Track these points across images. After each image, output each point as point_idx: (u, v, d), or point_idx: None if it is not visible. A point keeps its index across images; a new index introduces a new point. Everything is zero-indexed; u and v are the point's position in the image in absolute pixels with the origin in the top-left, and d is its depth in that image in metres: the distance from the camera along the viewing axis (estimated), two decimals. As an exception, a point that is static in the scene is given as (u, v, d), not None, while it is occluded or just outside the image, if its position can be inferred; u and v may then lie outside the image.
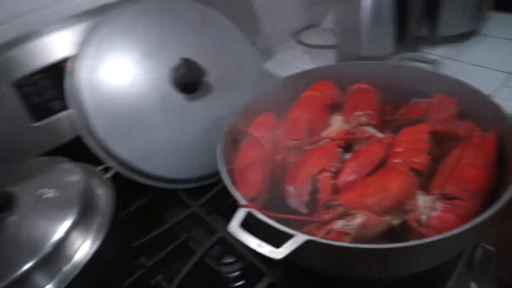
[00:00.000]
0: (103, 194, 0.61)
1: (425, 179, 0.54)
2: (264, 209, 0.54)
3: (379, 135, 0.61)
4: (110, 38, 0.71)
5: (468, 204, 0.48)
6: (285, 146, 0.62)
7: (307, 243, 0.45)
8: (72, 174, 0.60)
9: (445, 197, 0.50)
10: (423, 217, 0.49)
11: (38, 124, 0.72)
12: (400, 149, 0.56)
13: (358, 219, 0.47)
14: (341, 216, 0.49)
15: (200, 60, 0.75)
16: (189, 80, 0.73)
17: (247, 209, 0.50)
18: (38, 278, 0.49)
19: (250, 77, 0.82)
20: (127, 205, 0.78)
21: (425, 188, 0.54)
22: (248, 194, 0.56)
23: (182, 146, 0.73)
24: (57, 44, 0.72)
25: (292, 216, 0.50)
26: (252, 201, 0.56)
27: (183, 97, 0.75)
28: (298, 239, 0.45)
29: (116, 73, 0.71)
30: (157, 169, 0.71)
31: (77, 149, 0.68)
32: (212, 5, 0.84)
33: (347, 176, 0.56)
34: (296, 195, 0.54)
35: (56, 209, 0.54)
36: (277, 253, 0.44)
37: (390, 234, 0.50)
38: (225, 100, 0.78)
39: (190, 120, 0.75)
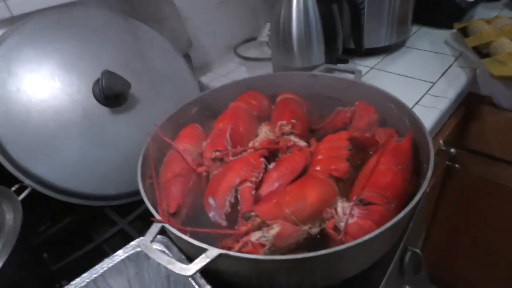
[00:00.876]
0: (9, 217, 0.56)
1: (345, 186, 0.55)
2: (187, 222, 0.53)
3: (301, 143, 0.61)
4: (20, 49, 0.66)
5: (382, 209, 0.48)
6: (208, 157, 0.60)
7: (220, 257, 0.43)
8: (-29, 197, 0.55)
9: (362, 203, 0.50)
10: (341, 224, 0.48)
11: None
12: (320, 157, 0.56)
13: (274, 230, 0.46)
14: (259, 227, 0.47)
15: (124, 72, 0.72)
16: (112, 93, 0.70)
17: (160, 224, 0.48)
18: None
19: (178, 89, 0.80)
20: (52, 223, 0.72)
21: (347, 195, 0.54)
22: (167, 209, 0.54)
23: (108, 161, 0.69)
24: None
25: (208, 230, 0.48)
26: (172, 216, 0.54)
27: (107, 111, 0.71)
28: (210, 253, 0.43)
29: (30, 86, 0.65)
30: (81, 186, 0.67)
31: None
32: (144, 21, 0.82)
33: (268, 186, 0.55)
34: (216, 207, 0.53)
35: None
36: (187, 269, 0.42)
37: (313, 242, 0.49)
38: (152, 113, 0.74)
39: (116, 134, 0.71)
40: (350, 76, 0.74)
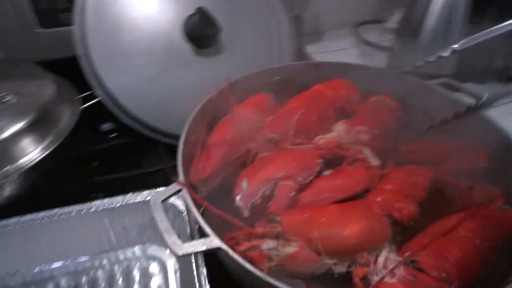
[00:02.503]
0: (67, 114, 0.59)
1: (404, 234, 0.43)
2: (216, 194, 0.48)
3: (373, 161, 0.49)
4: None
5: (433, 285, 0.36)
6: (264, 136, 0.52)
7: (218, 250, 0.37)
8: (40, 86, 0.58)
9: (413, 266, 0.39)
10: (374, 278, 0.38)
11: (41, 31, 0.70)
12: (389, 187, 0.45)
13: (289, 249, 0.38)
14: (277, 236, 0.40)
15: (221, 16, 0.66)
16: (201, 33, 0.66)
17: (178, 187, 0.44)
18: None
19: (270, 49, 0.73)
20: (108, 139, 0.75)
21: (400, 245, 0.43)
22: (200, 172, 0.49)
23: (175, 98, 0.67)
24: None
25: (223, 213, 0.42)
26: (202, 182, 0.49)
27: (190, 49, 0.68)
28: (209, 242, 0.38)
29: (126, 2, 0.65)
30: (142, 113, 0.66)
31: (75, 69, 0.64)
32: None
33: (312, 194, 0.46)
34: (245, 192, 0.46)
35: (10, 113, 0.52)
36: (180, 248, 0.38)
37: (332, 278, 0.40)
38: (234, 65, 0.69)
39: (191, 74, 0.68)
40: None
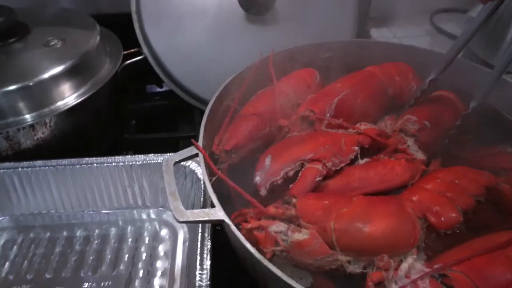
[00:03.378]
0: (107, 66, 0.60)
1: (437, 242, 0.37)
2: (238, 168, 0.45)
3: (418, 155, 0.43)
4: None
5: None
6: (299, 114, 0.48)
7: (222, 222, 0.35)
8: (86, 36, 0.58)
9: (442, 281, 0.33)
10: (392, 286, 0.33)
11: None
12: (430, 186, 0.39)
13: (298, 235, 0.34)
14: (289, 220, 0.36)
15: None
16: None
17: (195, 151, 0.41)
18: (18, 105, 0.50)
19: (328, 25, 0.67)
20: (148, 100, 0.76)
21: (432, 254, 0.37)
22: (224, 143, 0.47)
23: (221, 65, 0.64)
24: None
25: (236, 187, 0.39)
26: (225, 152, 0.46)
27: (244, 15, 0.65)
28: (212, 213, 0.35)
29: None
30: (185, 77, 0.65)
31: (127, 25, 0.64)
32: None
33: (341, 182, 0.41)
34: (267, 170, 0.42)
35: (53, 56, 0.54)
36: (181, 214, 0.35)
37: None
38: (287, 36, 0.64)
39: (242, 43, 0.65)
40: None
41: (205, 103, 0.64)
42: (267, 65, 0.54)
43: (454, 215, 0.36)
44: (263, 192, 0.41)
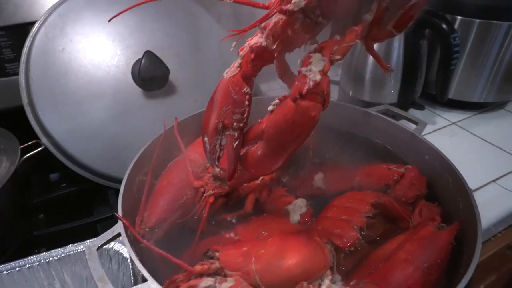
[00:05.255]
0: (4, 165, 0.58)
1: (348, 261, 0.43)
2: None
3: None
4: (80, 11, 0.67)
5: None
6: (210, 172, 0.52)
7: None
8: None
9: (358, 293, 0.38)
10: (316, 309, 0.38)
11: (-16, 82, 0.69)
12: (329, 215, 0.46)
13: (226, 284, 0.37)
14: (216, 273, 0.39)
15: (171, 57, 0.69)
16: (149, 76, 0.67)
17: (118, 229, 0.42)
18: None
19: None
20: (56, 188, 0.72)
21: (347, 273, 0.42)
22: (146, 221, 0.48)
23: (126, 143, 0.66)
24: (29, 6, 0.69)
25: (163, 253, 0.40)
26: (148, 231, 0.48)
27: (140, 92, 0.68)
28: (147, 287, 0.36)
29: (75, 49, 0.66)
30: (91, 159, 0.65)
31: (20, 118, 0.63)
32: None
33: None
34: (208, 150, 0.42)
35: None
36: (113, 297, 0.36)
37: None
38: (185, 106, 0.70)
39: (142, 118, 0.68)
40: (411, 126, 0.60)
41: (117, 181, 0.66)
42: (173, 134, 0.58)
43: (352, 233, 0.42)
44: (216, 168, 0.42)
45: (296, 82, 0.33)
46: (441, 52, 0.74)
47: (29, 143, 0.64)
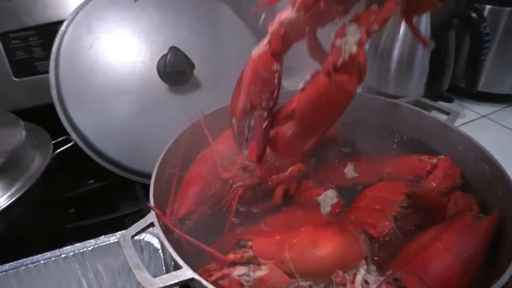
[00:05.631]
0: (37, 160, 0.59)
1: (384, 251, 0.42)
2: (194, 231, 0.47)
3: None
4: (105, 9, 0.68)
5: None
6: (238, 165, 0.52)
7: (192, 281, 0.36)
8: (10, 133, 0.57)
9: (397, 284, 0.37)
10: (354, 299, 0.37)
11: (17, 80, 0.71)
12: (361, 205, 0.45)
13: (259, 273, 0.36)
14: (248, 261, 0.38)
15: (194, 52, 0.68)
16: (174, 71, 0.67)
17: (149, 220, 0.43)
18: None
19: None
20: (85, 183, 0.74)
21: (382, 263, 0.41)
22: (176, 212, 0.49)
23: (151, 138, 0.67)
24: (57, 5, 0.71)
25: (197, 243, 0.41)
26: (178, 222, 0.48)
27: (165, 87, 0.69)
28: (181, 274, 0.36)
29: (101, 46, 0.67)
30: (117, 154, 0.65)
31: (51, 115, 0.65)
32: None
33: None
34: (236, 132, 0.41)
35: None
36: (150, 283, 0.36)
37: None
38: (210, 100, 0.70)
39: (167, 113, 0.68)
40: (442, 117, 0.59)
41: (144, 176, 0.66)
42: (200, 127, 0.58)
43: (387, 223, 0.42)
44: (244, 152, 0.41)
45: (330, 56, 0.30)
46: (471, 42, 0.72)
47: (60, 139, 0.66)
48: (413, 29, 0.36)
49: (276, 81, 0.37)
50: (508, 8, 0.76)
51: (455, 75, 0.83)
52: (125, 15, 0.69)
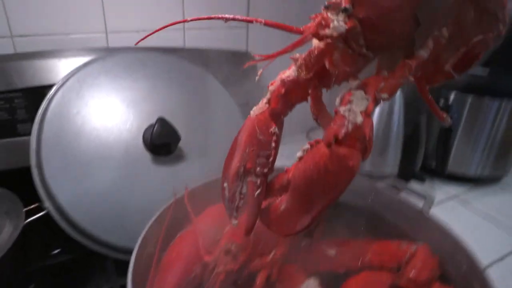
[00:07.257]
0: (7, 228, 0.56)
1: None
2: None
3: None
4: (97, 77, 0.69)
5: None
6: (221, 248, 0.51)
7: None
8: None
9: None
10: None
11: (-4, 141, 0.69)
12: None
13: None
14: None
15: (181, 123, 0.70)
16: (160, 143, 0.68)
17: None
18: None
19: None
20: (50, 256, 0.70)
21: None
22: None
23: (131, 209, 0.65)
24: (49, 70, 0.71)
25: None
26: None
27: (150, 157, 0.69)
28: None
29: (89, 112, 0.67)
30: (91, 225, 0.62)
31: (26, 179, 0.62)
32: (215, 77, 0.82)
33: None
34: (227, 197, 0.38)
35: None
36: None
37: None
38: (195, 172, 0.70)
39: (151, 184, 0.67)
40: (417, 202, 0.61)
41: (119, 250, 0.63)
42: (184, 203, 0.57)
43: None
44: (233, 221, 0.38)
45: (332, 124, 0.27)
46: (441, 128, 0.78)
47: (32, 206, 0.62)
48: (429, 101, 0.34)
49: (273, 144, 0.35)
50: (471, 95, 0.83)
51: (426, 156, 0.88)
52: (116, 84, 0.71)
